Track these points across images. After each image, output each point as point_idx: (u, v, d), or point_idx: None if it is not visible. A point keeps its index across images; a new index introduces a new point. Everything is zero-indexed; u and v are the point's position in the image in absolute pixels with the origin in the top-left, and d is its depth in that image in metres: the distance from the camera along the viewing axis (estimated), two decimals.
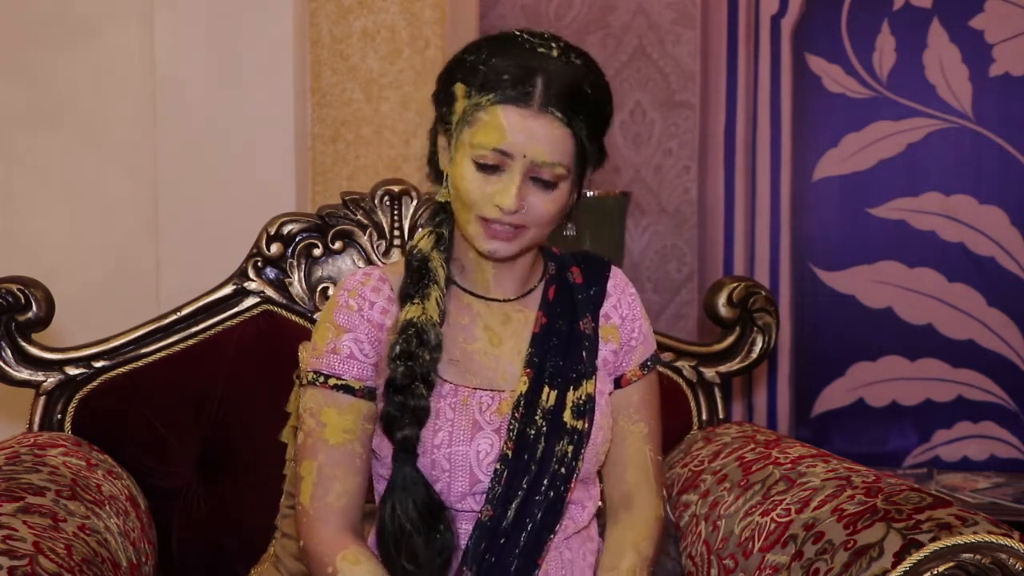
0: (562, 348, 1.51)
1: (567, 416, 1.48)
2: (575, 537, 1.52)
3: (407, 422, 1.41)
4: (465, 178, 1.41)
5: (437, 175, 1.51)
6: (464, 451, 1.44)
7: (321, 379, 1.46)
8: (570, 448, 1.47)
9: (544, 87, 1.37)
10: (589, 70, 1.43)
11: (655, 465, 1.57)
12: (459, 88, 1.42)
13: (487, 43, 1.44)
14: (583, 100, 1.40)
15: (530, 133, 1.37)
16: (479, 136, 1.39)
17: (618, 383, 1.57)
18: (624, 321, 1.58)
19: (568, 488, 1.48)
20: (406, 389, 1.41)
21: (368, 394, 1.46)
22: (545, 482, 1.46)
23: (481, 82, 1.39)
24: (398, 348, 1.43)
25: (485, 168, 1.40)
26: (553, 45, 1.41)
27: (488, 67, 1.39)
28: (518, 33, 1.44)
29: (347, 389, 1.45)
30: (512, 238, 1.42)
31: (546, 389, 1.48)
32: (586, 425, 1.49)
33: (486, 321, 1.51)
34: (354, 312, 1.47)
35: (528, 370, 1.49)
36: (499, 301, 1.52)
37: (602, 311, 1.57)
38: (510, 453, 1.44)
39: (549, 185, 1.41)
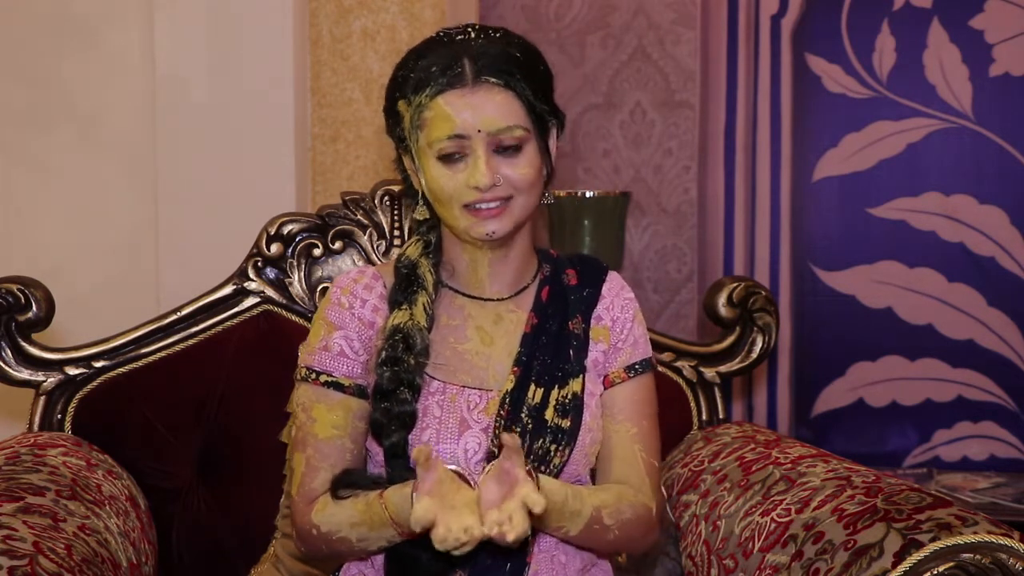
0: (551, 347, 1.52)
1: (549, 414, 1.48)
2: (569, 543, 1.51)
3: (394, 428, 1.43)
4: (435, 177, 1.44)
5: (414, 199, 1.54)
6: (451, 449, 1.44)
7: (313, 375, 1.49)
8: (552, 447, 1.47)
9: (472, 62, 1.42)
10: (510, 38, 1.47)
11: (646, 464, 1.53)
12: (401, 104, 1.47)
13: (410, 53, 1.48)
14: (513, 61, 1.44)
15: (475, 108, 1.41)
16: (432, 132, 1.43)
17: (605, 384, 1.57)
18: (615, 323, 1.57)
19: None
20: (391, 395, 1.43)
21: (358, 391, 1.48)
22: None
23: (414, 85, 1.43)
24: (384, 354, 1.45)
25: (449, 159, 1.43)
26: (470, 29, 1.46)
27: (416, 70, 1.44)
28: (435, 34, 1.49)
29: (337, 386, 1.48)
30: (502, 213, 1.44)
31: (532, 387, 1.49)
32: (570, 424, 1.48)
33: (478, 322, 1.52)
34: (345, 310, 1.50)
35: (516, 368, 1.50)
36: (492, 301, 1.53)
37: (594, 313, 1.57)
38: (496, 451, 1.44)
39: (514, 150, 1.43)
